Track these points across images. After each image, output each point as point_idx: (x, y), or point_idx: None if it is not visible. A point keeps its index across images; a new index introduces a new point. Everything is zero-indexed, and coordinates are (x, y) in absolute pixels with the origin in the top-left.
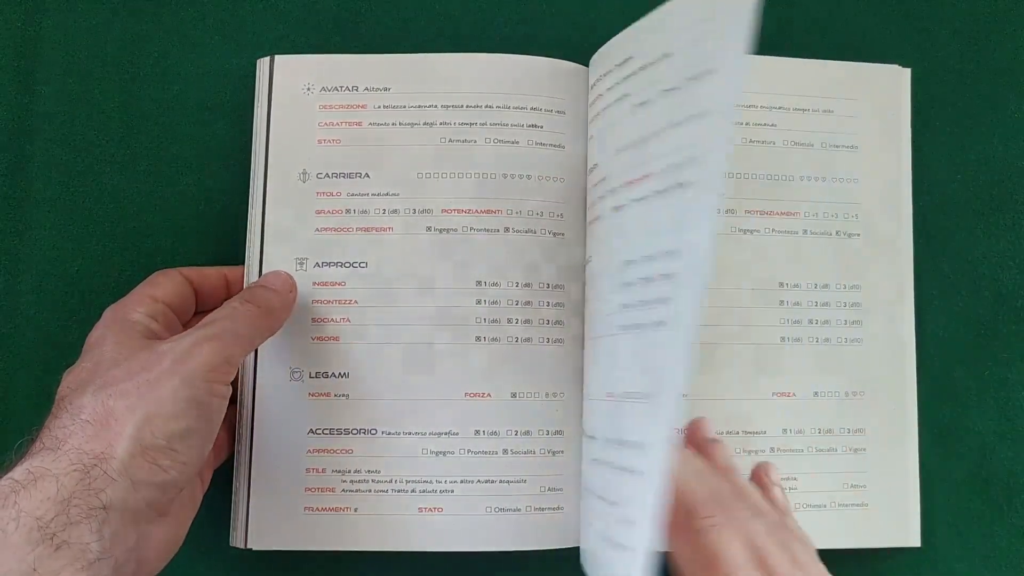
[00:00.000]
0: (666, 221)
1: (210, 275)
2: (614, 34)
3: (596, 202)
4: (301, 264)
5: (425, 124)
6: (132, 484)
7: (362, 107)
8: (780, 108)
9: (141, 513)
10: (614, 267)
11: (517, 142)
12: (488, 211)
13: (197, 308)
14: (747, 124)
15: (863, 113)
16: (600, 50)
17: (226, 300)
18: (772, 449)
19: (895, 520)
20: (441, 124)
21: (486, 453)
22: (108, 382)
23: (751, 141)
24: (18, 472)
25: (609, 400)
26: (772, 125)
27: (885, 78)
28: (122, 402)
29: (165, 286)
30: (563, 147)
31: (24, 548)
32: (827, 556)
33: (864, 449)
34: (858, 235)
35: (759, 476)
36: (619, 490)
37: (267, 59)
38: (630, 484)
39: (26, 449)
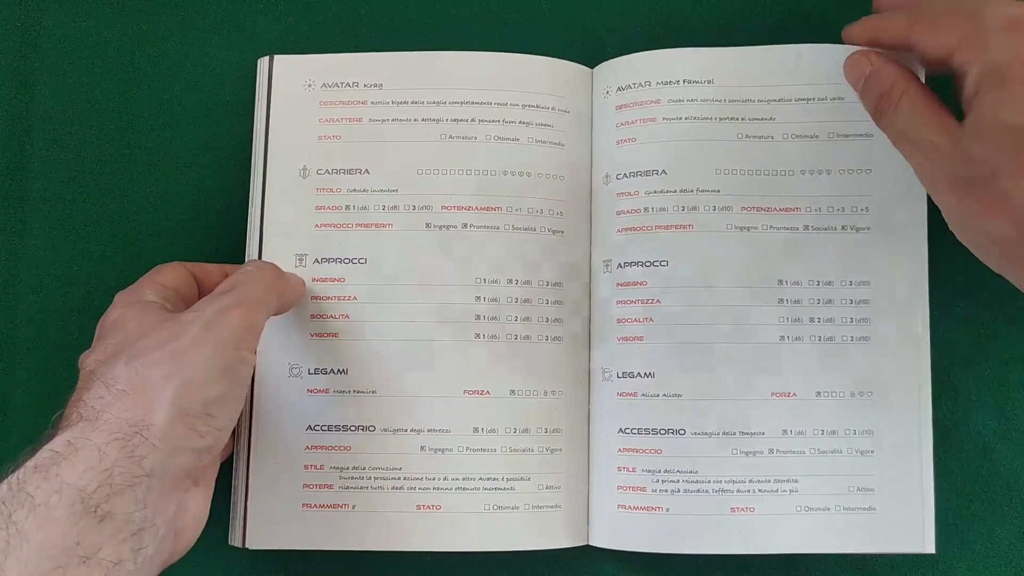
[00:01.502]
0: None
1: (212, 271)
2: (616, 37)
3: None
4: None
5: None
6: (172, 449)
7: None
8: (780, 100)
9: (179, 481)
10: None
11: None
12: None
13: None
14: (741, 120)
15: None
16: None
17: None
18: (771, 451)
19: (906, 525)
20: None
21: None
22: (139, 352)
23: (747, 136)
24: (58, 443)
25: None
26: (770, 119)
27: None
28: (157, 370)
29: (170, 274)
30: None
31: (68, 522)
32: (829, 560)
33: (872, 451)
34: (867, 229)
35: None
36: None
37: (267, 59)
38: None
39: (59, 423)
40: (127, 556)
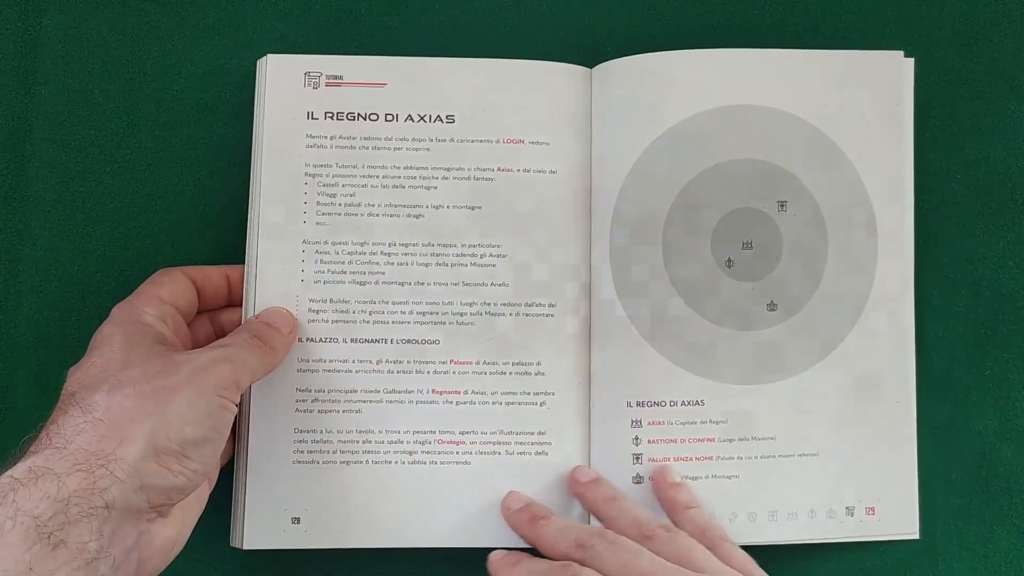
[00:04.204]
0: None
1: (212, 274)
2: (615, 38)
3: None
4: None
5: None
6: (140, 486)
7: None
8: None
9: (142, 513)
10: None
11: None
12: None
13: (200, 308)
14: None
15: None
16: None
17: (228, 299)
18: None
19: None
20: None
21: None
22: (123, 382)
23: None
24: (19, 470)
25: None
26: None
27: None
28: (138, 403)
29: (170, 286)
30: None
31: (21, 547)
32: (825, 549)
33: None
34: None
35: (658, 481)
36: None
37: (266, 59)
38: None
39: (30, 445)
40: None
